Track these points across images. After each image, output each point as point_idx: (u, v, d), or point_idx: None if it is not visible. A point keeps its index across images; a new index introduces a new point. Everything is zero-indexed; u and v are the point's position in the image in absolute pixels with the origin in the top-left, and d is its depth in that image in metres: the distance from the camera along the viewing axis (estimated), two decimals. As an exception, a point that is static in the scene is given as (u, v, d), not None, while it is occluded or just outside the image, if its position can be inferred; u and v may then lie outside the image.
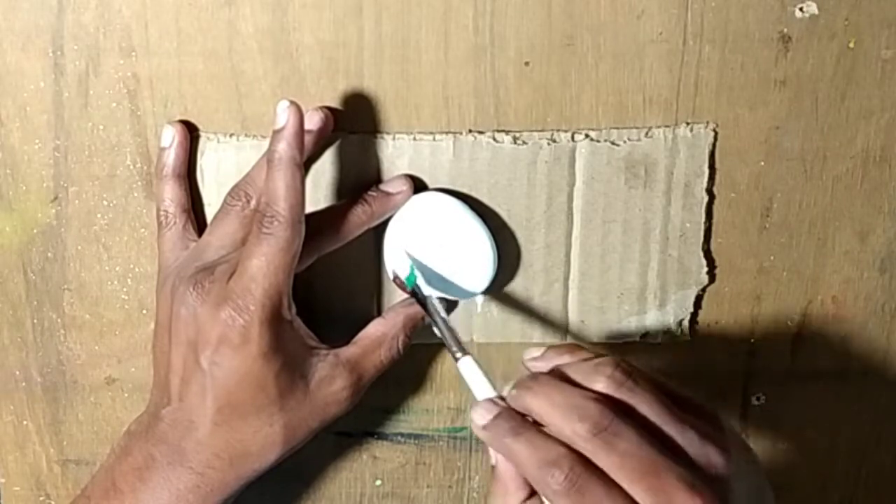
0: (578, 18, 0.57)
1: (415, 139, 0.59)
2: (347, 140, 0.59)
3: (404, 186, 0.59)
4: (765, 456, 0.66)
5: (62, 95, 0.58)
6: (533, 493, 0.50)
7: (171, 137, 0.58)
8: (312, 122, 0.57)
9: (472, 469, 0.67)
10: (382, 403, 0.65)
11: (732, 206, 0.62)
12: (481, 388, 0.53)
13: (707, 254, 0.62)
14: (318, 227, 0.56)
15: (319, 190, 0.59)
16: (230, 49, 0.57)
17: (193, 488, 0.55)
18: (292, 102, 0.54)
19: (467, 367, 0.54)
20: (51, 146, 0.59)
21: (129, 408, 0.64)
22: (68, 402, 0.65)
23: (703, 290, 0.63)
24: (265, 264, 0.53)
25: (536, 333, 0.63)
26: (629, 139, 0.60)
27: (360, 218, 0.58)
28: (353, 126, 0.59)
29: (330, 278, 0.61)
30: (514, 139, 0.59)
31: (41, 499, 0.67)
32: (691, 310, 0.63)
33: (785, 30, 0.58)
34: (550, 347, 0.53)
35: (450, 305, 0.62)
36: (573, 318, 0.63)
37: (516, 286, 0.62)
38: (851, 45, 0.58)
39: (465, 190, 0.60)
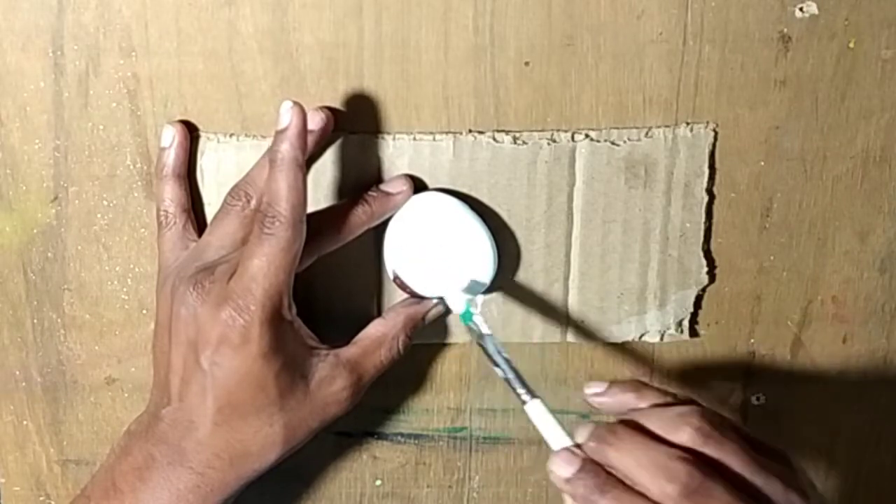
0: (578, 18, 0.57)
1: (415, 139, 0.59)
2: (347, 140, 0.59)
3: (404, 186, 0.59)
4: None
5: (62, 95, 0.58)
6: None
7: (171, 137, 0.58)
8: (313, 122, 0.57)
9: (472, 469, 0.67)
10: (382, 403, 0.65)
11: (732, 206, 0.62)
12: (554, 434, 0.52)
13: (707, 254, 0.62)
14: (318, 227, 0.56)
15: (320, 190, 0.59)
16: (230, 49, 0.57)
17: (193, 488, 0.55)
18: (296, 103, 0.54)
19: (537, 412, 0.53)
20: (51, 146, 0.59)
21: (129, 408, 0.64)
22: (68, 402, 0.65)
23: (703, 290, 0.63)
24: (266, 264, 0.53)
25: (536, 333, 0.63)
26: (629, 139, 0.60)
27: (360, 218, 0.58)
28: (353, 126, 0.59)
29: (330, 278, 0.61)
30: (514, 139, 0.59)
31: (41, 499, 0.67)
32: (691, 310, 0.63)
33: (785, 30, 0.58)
34: (613, 383, 0.53)
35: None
36: (573, 318, 0.63)
37: (516, 286, 0.62)
38: (851, 45, 0.58)
39: (465, 190, 0.60)
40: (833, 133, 0.60)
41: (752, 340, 0.65)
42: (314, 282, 0.60)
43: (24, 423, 0.65)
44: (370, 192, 0.59)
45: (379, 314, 0.61)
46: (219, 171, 0.60)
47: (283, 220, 0.53)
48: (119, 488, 0.55)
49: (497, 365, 0.55)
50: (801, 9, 0.58)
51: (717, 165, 0.61)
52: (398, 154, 0.59)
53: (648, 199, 0.61)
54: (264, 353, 0.53)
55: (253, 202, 0.57)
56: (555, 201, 0.61)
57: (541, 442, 0.66)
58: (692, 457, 0.48)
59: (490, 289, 0.61)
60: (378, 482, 0.67)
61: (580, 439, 0.51)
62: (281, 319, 0.54)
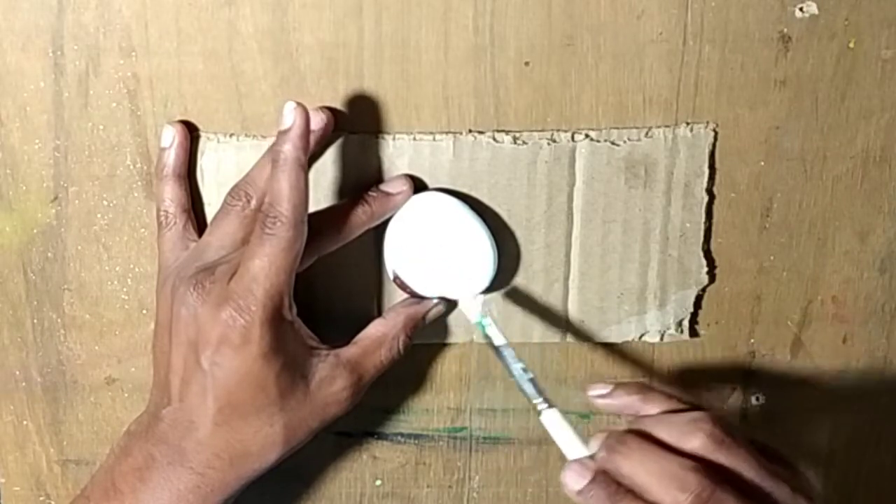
0: (578, 18, 0.57)
1: (415, 139, 0.59)
2: (347, 140, 0.59)
3: (404, 186, 0.59)
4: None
5: (62, 95, 0.58)
6: None
7: (171, 137, 0.58)
8: (314, 122, 0.57)
9: (472, 469, 0.67)
10: (382, 403, 0.65)
11: (732, 206, 0.62)
12: (569, 444, 0.52)
13: (707, 254, 0.62)
14: (318, 227, 0.56)
15: (320, 190, 0.59)
16: (230, 49, 0.57)
17: (194, 488, 0.55)
18: (299, 104, 0.54)
19: (552, 421, 0.54)
20: (51, 146, 0.59)
21: (129, 408, 0.64)
22: (68, 402, 0.65)
23: (703, 290, 0.63)
24: (267, 265, 0.53)
25: (536, 333, 0.63)
26: (629, 139, 0.60)
27: (360, 218, 0.58)
28: (353, 126, 0.59)
29: (330, 278, 0.61)
30: (514, 139, 0.59)
31: (41, 499, 0.67)
32: (691, 310, 0.63)
33: (785, 30, 0.58)
34: (618, 385, 0.54)
35: (450, 305, 0.62)
36: (573, 318, 0.63)
37: (516, 286, 0.62)
38: (851, 45, 0.58)
39: (465, 190, 0.60)
40: (833, 133, 0.60)
41: (752, 341, 0.65)
42: (314, 282, 0.60)
43: (24, 423, 0.65)
44: (370, 193, 0.59)
45: (379, 314, 0.61)
46: (219, 171, 0.60)
47: (285, 220, 0.53)
48: (119, 489, 0.55)
49: (511, 374, 0.56)
50: (801, 9, 0.58)
51: (717, 165, 0.61)
52: (398, 154, 0.59)
53: (648, 199, 0.61)
54: (265, 353, 0.53)
55: (253, 202, 0.57)
56: (555, 201, 0.61)
57: (541, 442, 0.66)
58: (703, 465, 0.49)
59: (490, 289, 0.61)
60: (378, 482, 0.67)
61: (595, 450, 0.51)
62: (281, 320, 0.54)
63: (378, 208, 0.58)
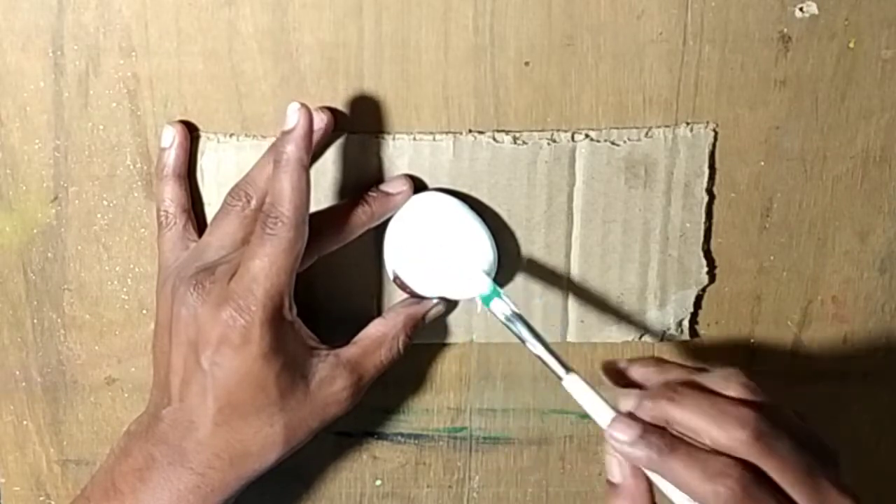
0: (578, 18, 0.57)
1: (415, 139, 0.59)
2: (347, 140, 0.59)
3: (404, 187, 0.59)
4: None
5: (62, 95, 0.58)
6: None
7: (171, 137, 0.58)
8: (315, 122, 0.57)
9: (472, 469, 0.67)
10: (382, 403, 0.65)
11: (732, 206, 0.62)
12: (598, 405, 0.51)
13: (707, 254, 0.62)
14: (318, 227, 0.56)
15: (320, 190, 0.59)
16: (230, 49, 0.57)
17: (194, 488, 0.55)
18: (303, 105, 0.54)
19: (575, 385, 0.52)
20: (51, 146, 0.59)
21: (129, 408, 0.64)
22: (68, 402, 0.65)
23: (703, 290, 0.63)
24: (268, 265, 0.53)
25: (536, 333, 0.63)
26: (629, 139, 0.60)
27: (360, 218, 0.58)
28: (353, 126, 0.59)
29: (330, 278, 0.61)
30: (514, 139, 0.59)
31: (41, 499, 0.67)
32: (691, 310, 0.63)
33: (785, 30, 0.58)
34: (632, 360, 0.53)
35: (450, 305, 0.62)
36: (573, 318, 0.63)
37: (516, 286, 0.62)
38: (851, 45, 0.58)
39: (465, 190, 0.60)
40: (833, 133, 0.60)
41: (752, 340, 0.65)
42: (314, 282, 0.60)
43: (24, 423, 0.65)
44: (370, 193, 0.59)
45: (379, 314, 0.61)
46: (219, 171, 0.60)
47: (286, 220, 0.53)
48: (119, 489, 0.55)
49: (525, 343, 0.54)
50: (801, 9, 0.58)
51: (717, 165, 0.61)
52: (398, 154, 0.59)
53: (648, 199, 0.61)
54: (265, 353, 0.53)
55: (253, 202, 0.57)
56: (555, 201, 0.61)
57: (541, 442, 0.66)
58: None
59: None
60: (378, 482, 0.67)
61: (626, 408, 0.50)
62: (282, 320, 0.54)
63: (378, 208, 0.58)
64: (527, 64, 0.58)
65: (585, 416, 0.65)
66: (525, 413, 0.66)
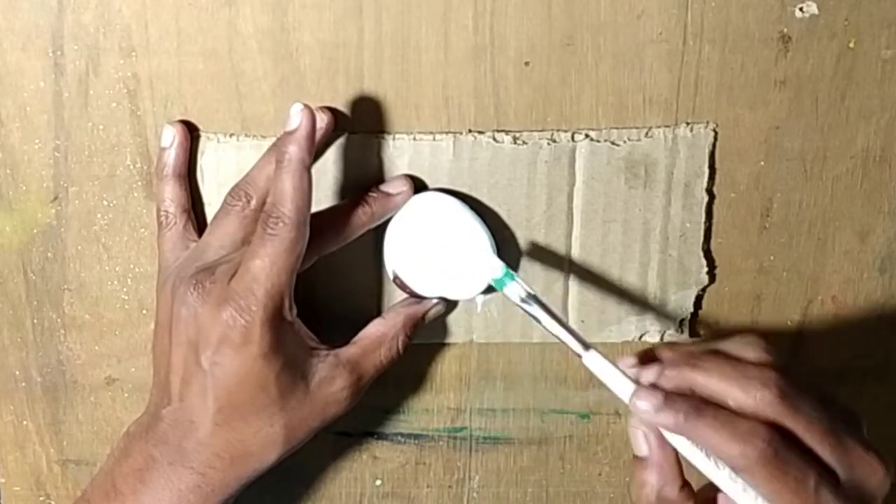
0: (578, 18, 0.57)
1: (415, 139, 0.59)
2: (348, 140, 0.59)
3: (404, 187, 0.59)
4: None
5: (62, 95, 0.58)
6: (685, 482, 0.50)
7: (171, 137, 0.58)
8: (317, 122, 0.57)
9: (472, 469, 0.67)
10: (382, 403, 0.65)
11: (732, 206, 0.62)
12: (619, 379, 0.51)
13: (707, 254, 0.62)
14: (318, 227, 0.56)
15: (320, 190, 0.59)
16: (230, 49, 0.57)
17: (194, 488, 0.55)
18: (306, 105, 0.54)
19: (595, 362, 0.52)
20: (51, 146, 0.59)
21: (129, 408, 0.64)
22: (68, 402, 0.65)
23: (703, 290, 0.63)
24: (268, 265, 0.53)
25: (536, 333, 0.63)
26: (629, 139, 0.60)
27: (360, 219, 0.58)
28: (353, 126, 0.59)
29: (330, 278, 0.61)
30: (514, 139, 0.59)
31: (41, 499, 0.67)
32: (691, 310, 0.63)
33: (785, 30, 0.58)
34: (648, 350, 0.52)
35: (450, 305, 0.62)
36: (573, 318, 0.63)
37: (516, 286, 0.62)
38: (851, 45, 0.58)
39: (465, 190, 0.60)
40: (833, 133, 0.60)
41: (752, 340, 0.65)
42: (314, 282, 0.60)
43: (24, 423, 0.65)
44: (370, 193, 0.59)
45: (379, 314, 0.61)
46: (219, 171, 0.60)
47: (288, 221, 0.53)
48: (119, 490, 0.55)
49: (542, 323, 0.53)
50: (801, 9, 0.58)
51: (717, 165, 0.61)
52: (398, 154, 0.59)
53: (648, 199, 0.61)
54: (265, 353, 0.53)
55: (253, 202, 0.57)
56: (555, 201, 0.61)
57: (541, 442, 0.66)
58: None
59: (490, 289, 0.61)
60: (378, 482, 0.67)
61: (648, 379, 0.50)
62: (282, 320, 0.54)
63: (378, 209, 0.58)
64: (527, 64, 0.58)
65: (585, 415, 0.65)
66: (525, 413, 0.66)
